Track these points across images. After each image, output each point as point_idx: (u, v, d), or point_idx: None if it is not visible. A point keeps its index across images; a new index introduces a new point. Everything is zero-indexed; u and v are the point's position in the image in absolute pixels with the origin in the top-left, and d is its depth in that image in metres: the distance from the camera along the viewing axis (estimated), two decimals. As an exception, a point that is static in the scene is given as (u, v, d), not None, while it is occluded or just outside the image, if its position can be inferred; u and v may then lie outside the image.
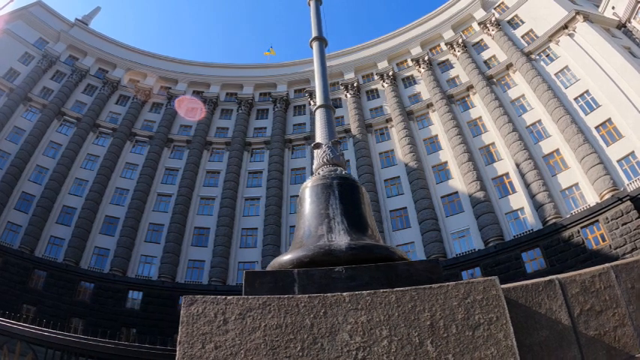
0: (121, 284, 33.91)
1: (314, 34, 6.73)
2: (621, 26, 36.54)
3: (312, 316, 2.20)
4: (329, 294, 2.26)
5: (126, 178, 41.91)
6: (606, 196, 28.50)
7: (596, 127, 31.78)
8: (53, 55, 45.47)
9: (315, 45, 6.47)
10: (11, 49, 42.66)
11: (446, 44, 46.42)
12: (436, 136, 40.97)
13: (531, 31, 40.23)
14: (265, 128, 48.16)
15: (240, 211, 40.73)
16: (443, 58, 46.50)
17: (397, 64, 49.49)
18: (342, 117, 47.13)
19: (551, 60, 37.22)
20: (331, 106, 4.90)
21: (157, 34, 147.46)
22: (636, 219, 26.66)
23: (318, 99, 4.99)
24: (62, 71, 46.24)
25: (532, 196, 31.96)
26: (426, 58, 46.22)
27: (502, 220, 32.79)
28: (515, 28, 42.10)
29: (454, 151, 37.56)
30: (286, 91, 50.79)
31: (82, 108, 44.98)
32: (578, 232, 28.58)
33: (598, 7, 39.82)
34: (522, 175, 33.23)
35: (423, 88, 45.11)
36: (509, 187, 34.25)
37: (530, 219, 31.72)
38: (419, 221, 35.07)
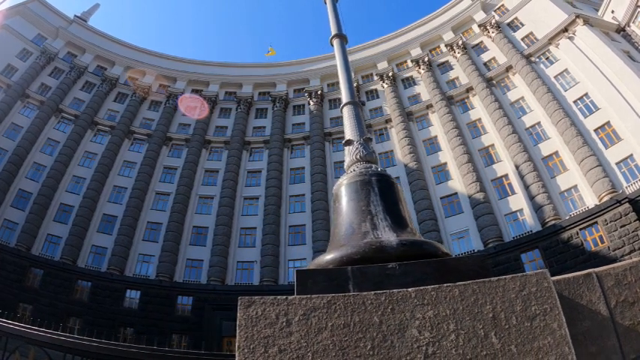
0: (119, 283, 33.64)
1: (333, 31, 6.67)
2: (620, 30, 36.85)
3: (379, 313, 2.18)
4: (395, 290, 2.24)
5: (124, 177, 41.61)
6: (605, 198, 28.72)
7: (595, 130, 32.02)
8: (51, 52, 45.07)
9: (335, 42, 6.42)
10: (9, 45, 42.22)
11: (446, 46, 46.55)
12: (436, 137, 41.08)
13: (531, 33, 40.46)
14: (264, 127, 48.03)
15: (239, 211, 40.56)
16: (443, 60, 46.64)
17: (397, 65, 49.58)
18: (342, 117, 47.07)
19: (551, 63, 37.45)
20: (359, 102, 4.87)
21: (156, 31, 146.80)
22: (634, 221, 26.89)
23: (345, 96, 4.96)
24: (60, 68, 45.84)
25: (531, 198, 32.13)
26: (426, 59, 46.33)
27: (501, 221, 32.93)
28: (515, 31, 42.33)
29: (454, 152, 37.67)
30: (285, 90, 50.70)
31: (80, 105, 44.62)
32: (577, 233, 28.79)
33: (597, 10, 40.15)
34: (522, 177, 33.40)
35: (423, 89, 45.21)
36: (508, 188, 34.41)
37: (529, 220, 31.89)
38: (418, 222, 35.11)
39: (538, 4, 40.80)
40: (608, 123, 31.58)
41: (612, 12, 37.75)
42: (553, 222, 30.08)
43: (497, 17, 44.20)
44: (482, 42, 44.80)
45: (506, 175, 35.07)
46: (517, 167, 34.08)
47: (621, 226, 27.13)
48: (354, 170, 3.90)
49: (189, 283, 35.07)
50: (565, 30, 36.98)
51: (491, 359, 2.04)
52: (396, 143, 41.96)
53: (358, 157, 4.06)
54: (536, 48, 38.83)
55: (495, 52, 42.78)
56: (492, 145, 37.40)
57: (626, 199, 27.46)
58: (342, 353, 2.08)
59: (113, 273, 34.07)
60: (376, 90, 48.42)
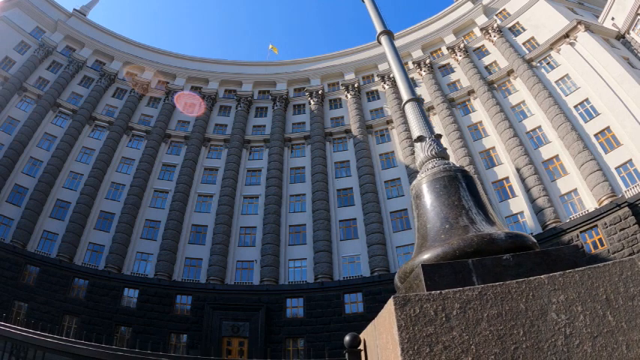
0: (117, 281, 33.20)
1: (379, 29, 6.56)
2: (620, 37, 37.45)
3: (524, 300, 2.29)
4: (531, 277, 2.36)
5: (122, 173, 41.12)
6: (605, 202, 29.12)
7: (596, 135, 32.46)
8: (50, 45, 44.40)
9: (383, 40, 6.32)
10: (7, 37, 41.49)
11: (447, 48, 46.84)
12: (436, 139, 41.20)
13: (532, 38, 40.90)
14: (264, 126, 47.84)
15: (238, 210, 40.31)
16: (444, 62, 46.92)
17: (398, 67, 49.66)
18: (342, 117, 47.16)
19: (552, 68, 37.89)
20: (420, 99, 4.82)
21: (155, 27, 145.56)
22: (633, 225, 27.31)
23: (405, 93, 4.91)
24: (58, 62, 45.18)
25: (532, 201, 32.47)
26: (427, 61, 46.57)
27: (502, 223, 33.12)
28: (516, 35, 42.75)
29: (455, 155, 37.86)
30: (286, 89, 50.57)
31: (78, 100, 44.03)
32: (577, 236, 29.14)
33: (598, 17, 40.73)
34: (522, 180, 33.73)
35: (424, 91, 45.41)
36: (509, 191, 34.74)
37: (529, 223, 32.21)
38: (419, 223, 35.19)
39: (539, 10, 41.28)
40: (608, 128, 32.04)
41: (612, 19, 38.34)
42: (553, 225, 30.41)
43: (498, 21, 44.61)
44: (483, 45, 45.17)
45: (507, 178, 35.39)
46: (518, 170, 34.41)
47: (620, 230, 27.54)
48: (434, 166, 3.89)
49: (188, 282, 34.73)
50: (566, 36, 37.45)
51: (611, 335, 2.25)
52: (397, 144, 42.09)
53: (433, 153, 4.05)
54: (537, 53, 39.26)
55: (497, 56, 43.16)
56: (493, 148, 37.72)
57: (626, 203, 27.89)
58: (500, 342, 2.16)
59: (111, 271, 33.62)
60: (377, 91, 48.55)
